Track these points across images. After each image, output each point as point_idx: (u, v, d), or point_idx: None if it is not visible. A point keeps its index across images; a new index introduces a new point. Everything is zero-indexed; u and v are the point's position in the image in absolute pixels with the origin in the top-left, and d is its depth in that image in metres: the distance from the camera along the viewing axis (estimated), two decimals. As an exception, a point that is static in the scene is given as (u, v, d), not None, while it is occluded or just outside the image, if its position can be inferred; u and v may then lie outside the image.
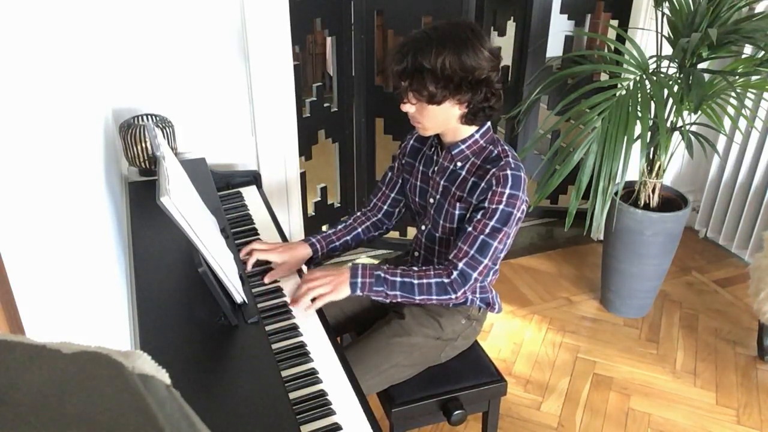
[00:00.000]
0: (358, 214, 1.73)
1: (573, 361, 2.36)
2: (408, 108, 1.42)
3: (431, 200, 1.56)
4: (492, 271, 1.57)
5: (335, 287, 1.40)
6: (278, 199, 2.39)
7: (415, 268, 1.45)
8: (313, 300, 1.39)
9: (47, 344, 0.41)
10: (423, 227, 1.60)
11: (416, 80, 1.35)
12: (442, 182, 1.52)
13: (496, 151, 1.45)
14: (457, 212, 1.48)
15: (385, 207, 1.71)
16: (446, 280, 1.42)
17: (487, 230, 1.40)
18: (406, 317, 1.56)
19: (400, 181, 1.69)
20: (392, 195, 1.70)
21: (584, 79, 2.58)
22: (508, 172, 1.39)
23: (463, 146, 1.47)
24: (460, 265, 1.42)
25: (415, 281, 1.42)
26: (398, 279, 1.42)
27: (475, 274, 1.42)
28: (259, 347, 1.22)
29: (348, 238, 1.68)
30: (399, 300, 1.44)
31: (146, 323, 1.27)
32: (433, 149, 1.57)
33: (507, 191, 1.39)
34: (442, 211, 1.51)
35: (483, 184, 1.41)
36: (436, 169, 1.54)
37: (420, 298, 1.42)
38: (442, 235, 1.54)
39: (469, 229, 1.42)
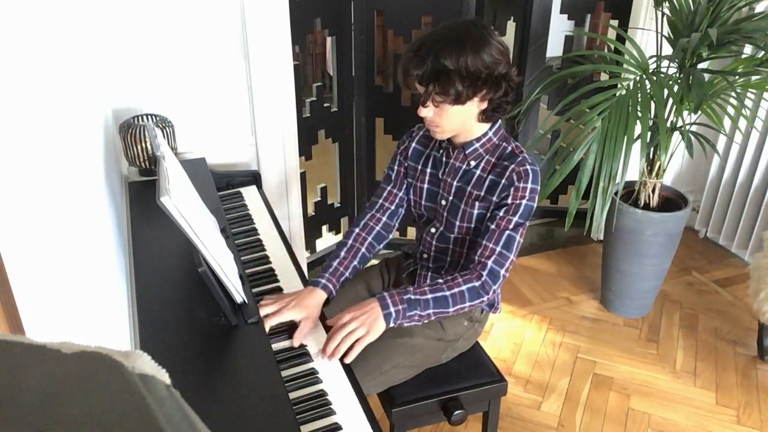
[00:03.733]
0: (356, 230, 1.62)
1: (573, 361, 2.36)
2: (426, 112, 1.40)
3: (443, 202, 1.54)
4: None
5: (371, 326, 1.32)
6: (278, 199, 2.39)
7: (441, 280, 1.41)
8: (352, 346, 1.30)
9: (47, 344, 0.40)
10: (433, 230, 1.59)
11: (441, 82, 1.33)
12: (455, 183, 1.50)
13: (510, 148, 1.46)
14: (475, 212, 1.48)
15: (393, 207, 1.65)
16: (477, 284, 1.40)
17: (511, 225, 1.42)
18: (408, 318, 1.56)
19: (406, 180, 1.66)
20: (399, 194, 1.65)
21: (584, 79, 2.57)
22: (528, 167, 1.41)
23: (477, 144, 1.47)
24: (489, 263, 1.41)
25: (447, 293, 1.38)
26: (429, 296, 1.37)
27: (503, 271, 1.43)
28: (259, 347, 1.22)
29: (355, 262, 1.58)
30: (432, 318, 1.39)
31: (146, 323, 1.27)
32: (441, 151, 1.55)
33: (529, 185, 1.41)
34: (457, 212, 1.50)
35: (504, 181, 1.42)
36: (446, 170, 1.53)
37: (454, 309, 1.39)
38: (458, 236, 1.53)
39: (492, 226, 1.42)
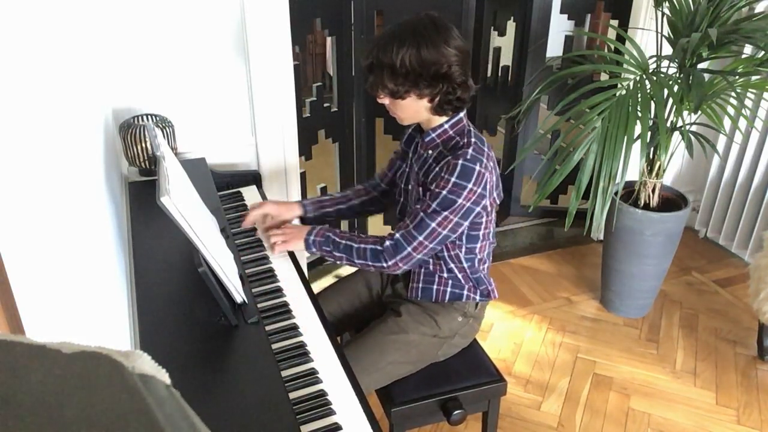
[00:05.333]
0: (360, 187, 1.79)
1: (573, 361, 2.36)
2: (382, 100, 1.47)
3: (409, 187, 1.60)
4: (478, 260, 1.57)
5: (290, 239, 1.56)
6: (278, 199, 2.38)
7: (363, 235, 1.52)
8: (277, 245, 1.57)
9: (47, 344, 0.41)
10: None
11: (376, 76, 1.40)
12: (416, 169, 1.56)
13: (462, 142, 1.47)
14: (421, 197, 1.52)
15: (383, 185, 1.77)
16: (379, 248, 1.47)
17: (429, 210, 1.43)
18: (403, 315, 1.57)
19: (397, 163, 1.73)
20: (389, 174, 1.76)
21: (584, 79, 2.57)
22: (460, 161, 1.41)
23: (433, 135, 1.51)
24: (397, 235, 1.47)
25: (355, 245, 1.50)
26: (343, 242, 1.51)
27: (409, 249, 1.45)
28: (259, 347, 1.22)
29: (342, 206, 1.75)
30: (345, 263, 1.52)
31: (146, 323, 1.27)
32: (419, 139, 1.60)
33: (453, 179, 1.41)
34: (416, 198, 1.56)
35: (437, 169, 1.45)
36: (416, 157, 1.58)
37: (359, 262, 1.50)
38: None
39: (417, 206, 1.47)
